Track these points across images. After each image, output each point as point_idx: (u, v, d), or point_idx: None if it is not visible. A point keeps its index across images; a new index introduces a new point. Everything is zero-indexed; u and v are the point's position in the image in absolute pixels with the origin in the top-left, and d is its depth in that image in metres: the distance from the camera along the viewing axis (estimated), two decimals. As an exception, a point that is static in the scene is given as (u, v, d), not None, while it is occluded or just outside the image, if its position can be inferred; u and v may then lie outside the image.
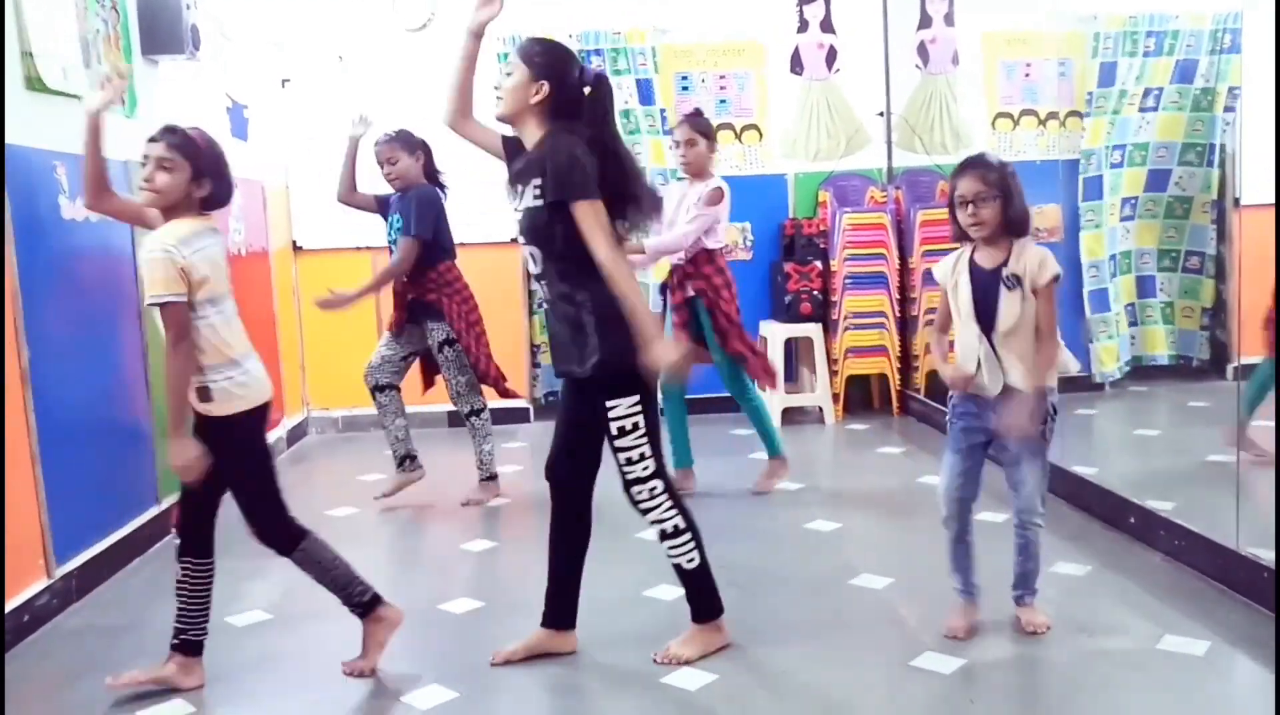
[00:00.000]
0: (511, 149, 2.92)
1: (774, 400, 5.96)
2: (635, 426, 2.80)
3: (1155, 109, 5.88)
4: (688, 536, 2.91)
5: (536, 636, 3.00)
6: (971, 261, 2.95)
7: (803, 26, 6.32)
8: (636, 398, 2.78)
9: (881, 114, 6.38)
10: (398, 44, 6.16)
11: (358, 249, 6.07)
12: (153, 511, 4.21)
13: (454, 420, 6.12)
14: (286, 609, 3.44)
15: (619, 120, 6.05)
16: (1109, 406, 5.90)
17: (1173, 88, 5.85)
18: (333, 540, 4.14)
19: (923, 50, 6.31)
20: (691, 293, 4.37)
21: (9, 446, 3.19)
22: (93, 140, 2.85)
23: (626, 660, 2.96)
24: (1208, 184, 5.84)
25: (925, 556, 3.72)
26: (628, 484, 2.86)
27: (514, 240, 6.18)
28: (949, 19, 6.27)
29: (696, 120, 4.42)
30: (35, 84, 3.50)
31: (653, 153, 6.17)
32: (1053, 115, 6.08)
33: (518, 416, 6.32)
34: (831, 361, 6.10)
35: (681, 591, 3.39)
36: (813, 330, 6.01)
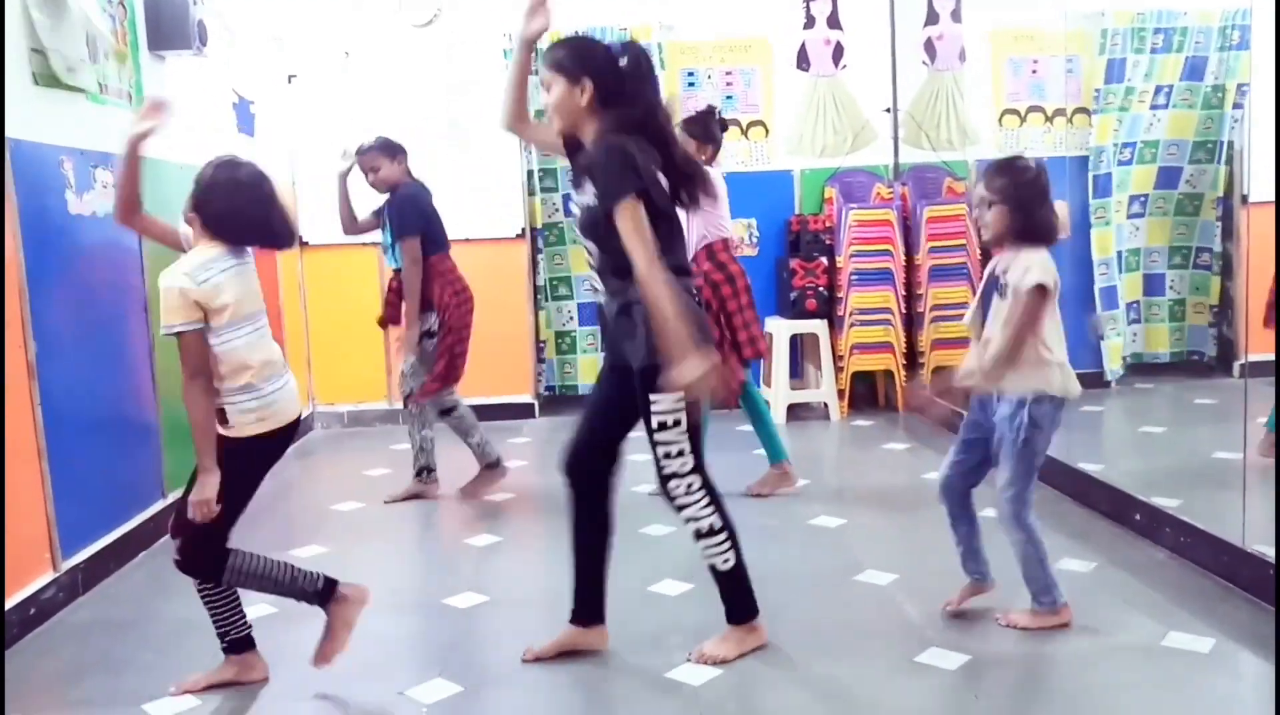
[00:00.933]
0: (572, 145, 2.90)
1: (779, 397, 5.97)
2: (677, 422, 2.77)
3: (1166, 106, 5.86)
4: (724, 537, 2.85)
5: (566, 634, 2.97)
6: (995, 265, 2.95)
7: (809, 22, 6.31)
8: (681, 394, 2.74)
9: (888, 110, 6.36)
10: (404, 39, 6.16)
11: (364, 245, 6.07)
12: (159, 506, 4.22)
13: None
14: (291, 604, 3.44)
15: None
16: (1114, 403, 5.89)
17: (1183, 85, 5.83)
18: (338, 535, 4.18)
19: (930, 47, 6.29)
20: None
21: (15, 441, 3.21)
22: (131, 164, 2.87)
23: (631, 655, 2.96)
24: (1217, 181, 5.82)
25: (930, 553, 3.72)
26: (665, 478, 2.82)
27: (519, 235, 6.19)
28: (956, 15, 6.25)
29: (690, 124, 4.33)
30: (41, 79, 3.50)
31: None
32: (1060, 112, 6.06)
33: (522, 412, 6.33)
34: (837, 358, 6.09)
35: (687, 587, 3.40)
36: (818, 326, 6.01)
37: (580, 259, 6.21)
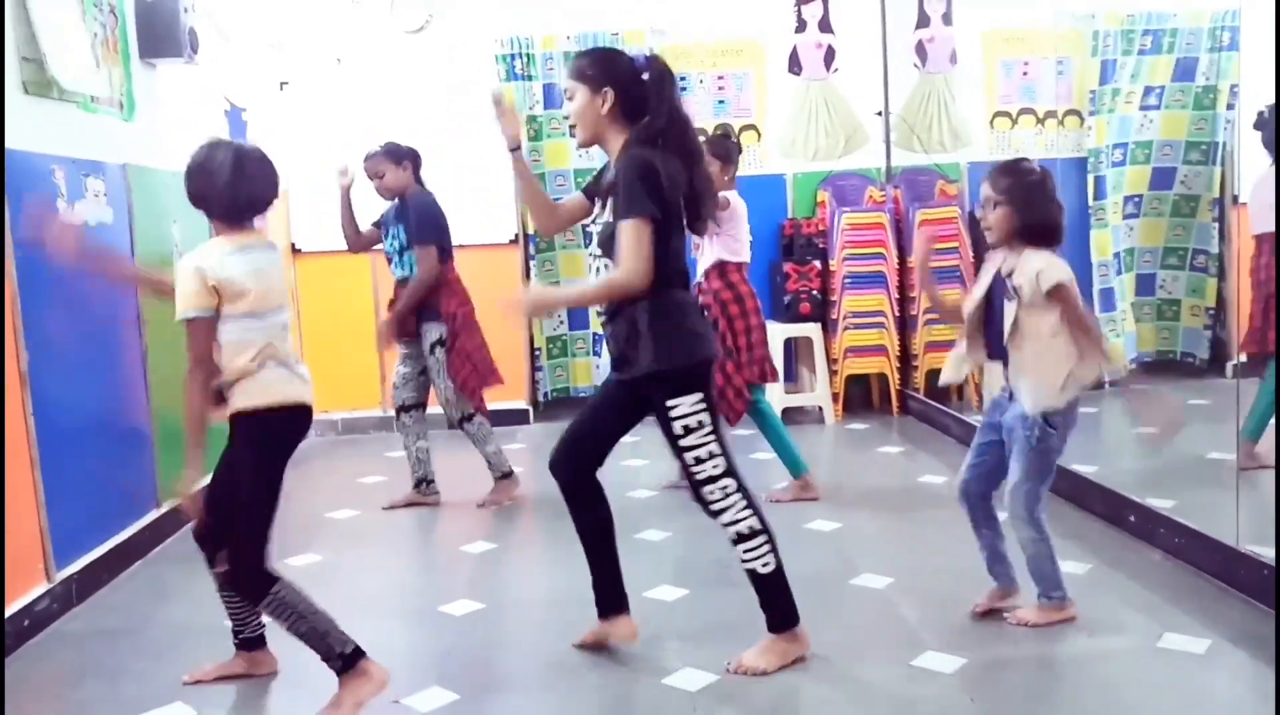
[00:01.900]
0: (594, 186, 2.93)
1: (774, 400, 5.96)
2: (700, 424, 2.75)
3: (1158, 107, 5.88)
4: (764, 540, 2.81)
5: (593, 631, 3.00)
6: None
7: (801, 26, 6.32)
8: (700, 396, 2.74)
9: (880, 113, 6.38)
10: (396, 45, 6.16)
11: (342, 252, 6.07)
12: (153, 515, 4.21)
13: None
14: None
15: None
16: (1109, 404, 5.89)
17: (1175, 86, 5.84)
18: (333, 542, 4.18)
19: (921, 49, 6.31)
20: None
21: (9, 450, 3.19)
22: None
23: (628, 661, 2.96)
24: (1213, 182, 5.84)
25: (926, 556, 3.73)
26: (698, 485, 2.78)
27: (512, 241, 6.19)
28: (947, 18, 6.26)
29: (714, 145, 4.35)
30: (34, 88, 3.50)
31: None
32: (1051, 114, 6.08)
33: (517, 418, 6.32)
34: (831, 361, 6.10)
35: (683, 592, 3.40)
36: (812, 330, 6.01)
37: (573, 265, 6.23)
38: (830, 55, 6.34)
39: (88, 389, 3.80)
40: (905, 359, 6.18)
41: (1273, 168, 4.07)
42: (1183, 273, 5.89)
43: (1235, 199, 5.63)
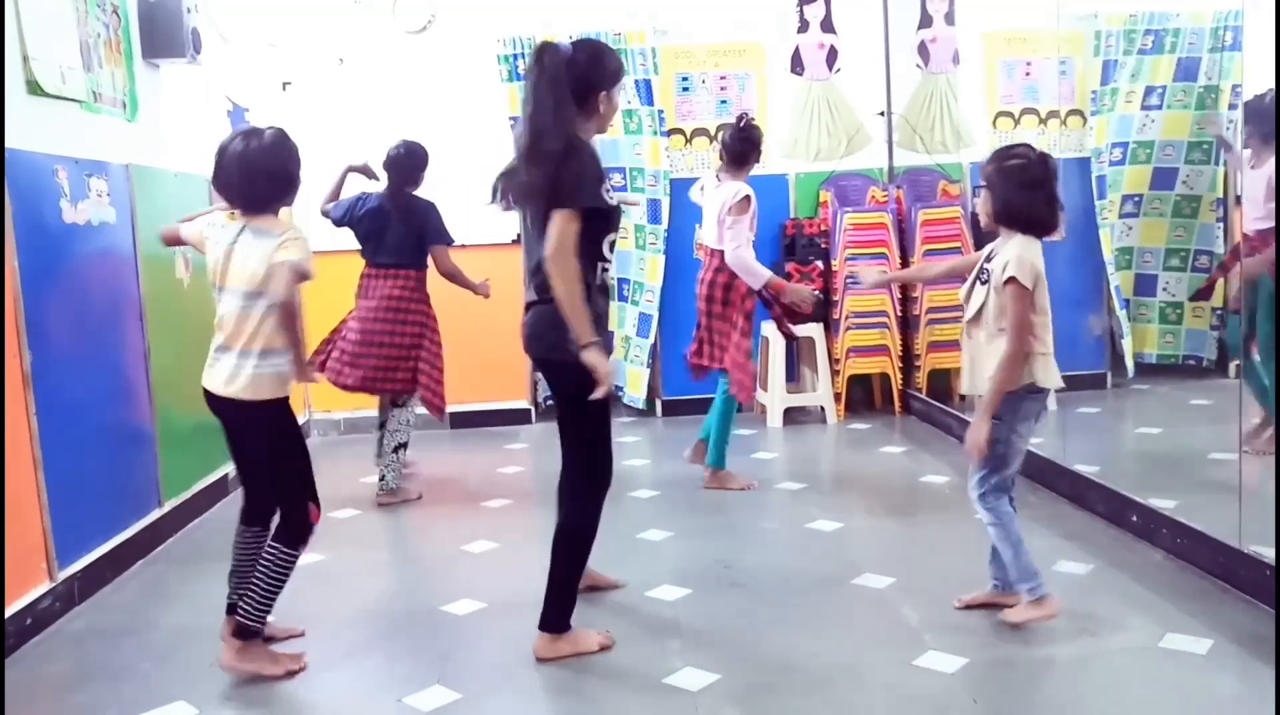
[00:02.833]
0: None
1: (776, 400, 5.97)
2: None
3: (1160, 107, 5.87)
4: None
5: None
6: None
7: (803, 27, 6.32)
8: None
9: (882, 114, 6.38)
10: (398, 46, 6.17)
11: (358, 251, 6.06)
12: (155, 514, 4.22)
13: (455, 422, 6.13)
14: (290, 609, 3.44)
15: (622, 120, 6.10)
16: (1110, 405, 5.90)
17: (1176, 85, 5.84)
18: (335, 542, 4.18)
19: (923, 50, 6.31)
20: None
21: (12, 450, 3.20)
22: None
23: (629, 661, 2.96)
24: (1214, 182, 5.83)
25: (927, 556, 3.73)
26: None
27: (514, 241, 6.19)
28: (949, 18, 6.26)
29: (736, 133, 4.48)
30: (36, 88, 3.50)
31: (650, 154, 6.18)
32: (1053, 114, 6.07)
33: (519, 418, 6.33)
34: (833, 361, 6.10)
35: (685, 592, 3.41)
36: (814, 330, 6.01)
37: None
38: (832, 55, 6.34)
39: (90, 389, 3.80)
40: (907, 359, 6.18)
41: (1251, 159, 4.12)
42: (1185, 274, 5.88)
43: (1239, 199, 5.63)
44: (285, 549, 2.91)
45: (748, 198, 4.38)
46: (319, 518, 2.97)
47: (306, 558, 3.95)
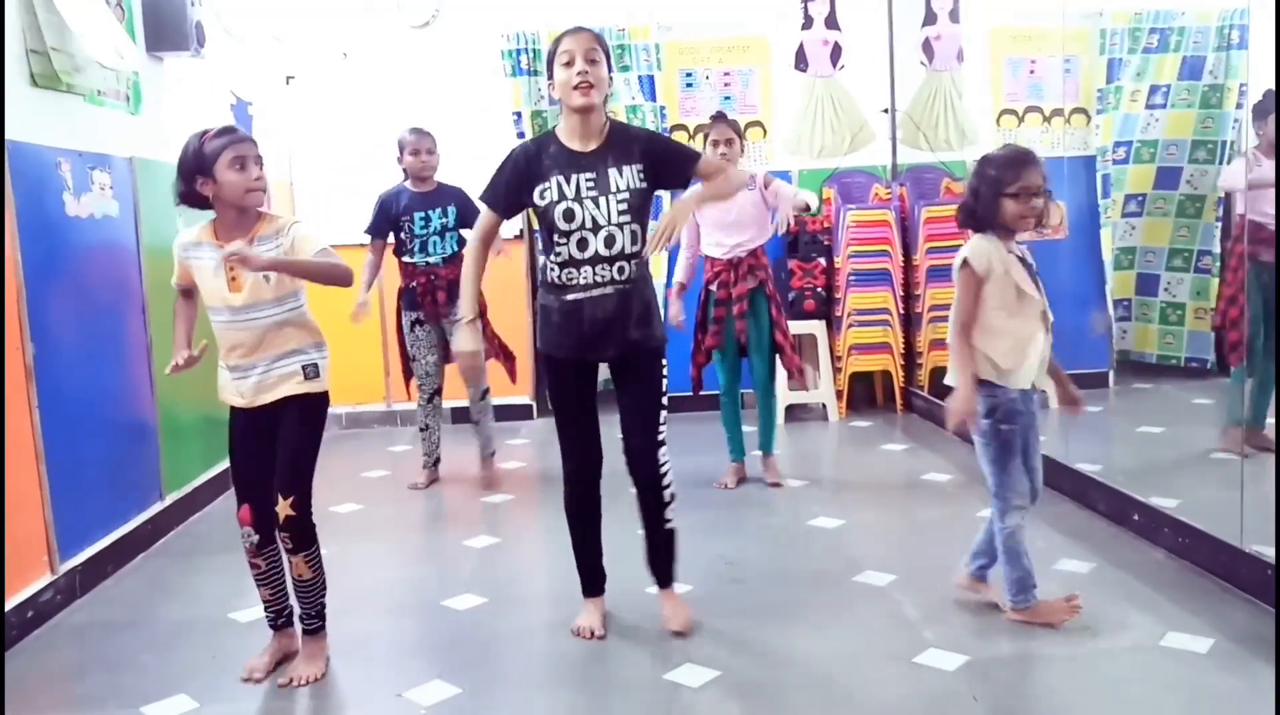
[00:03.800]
0: (512, 196, 2.96)
1: (779, 397, 5.96)
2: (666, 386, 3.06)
3: (1164, 106, 5.86)
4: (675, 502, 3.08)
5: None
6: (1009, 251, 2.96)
7: (807, 23, 6.31)
8: None
9: (886, 111, 6.36)
10: (402, 40, 6.16)
11: (361, 246, 6.06)
12: (157, 507, 4.22)
13: (457, 416, 6.13)
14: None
15: (626, 116, 6.09)
16: (1112, 403, 5.89)
17: (1181, 84, 5.83)
18: (337, 536, 4.18)
19: (928, 47, 6.30)
20: (755, 283, 4.49)
21: (13, 443, 3.20)
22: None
23: (630, 657, 2.96)
24: (1218, 181, 5.82)
25: (929, 553, 3.73)
26: (658, 445, 3.01)
27: (518, 236, 6.18)
28: (954, 15, 6.25)
29: (732, 120, 4.49)
30: (39, 80, 3.50)
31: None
32: (1058, 112, 6.06)
33: (521, 413, 6.33)
34: (835, 358, 6.10)
35: (686, 588, 3.41)
36: (816, 327, 6.01)
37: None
38: (837, 52, 6.33)
39: (93, 382, 3.80)
40: (910, 356, 6.17)
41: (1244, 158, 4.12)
42: (1188, 275, 5.87)
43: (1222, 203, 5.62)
44: (318, 549, 2.89)
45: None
46: (248, 518, 2.88)
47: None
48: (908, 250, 6.14)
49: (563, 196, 2.84)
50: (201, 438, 4.59)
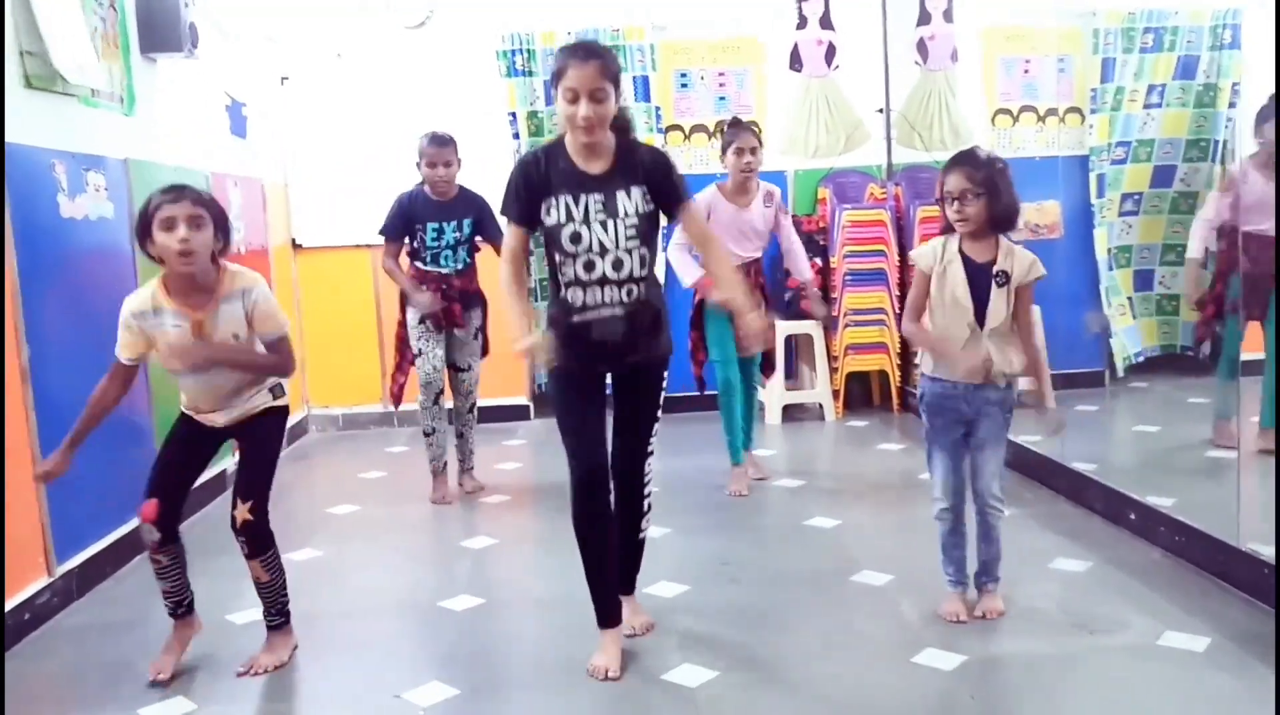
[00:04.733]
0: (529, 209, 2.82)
1: (774, 398, 5.97)
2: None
3: (1160, 105, 5.88)
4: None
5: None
6: (961, 252, 2.96)
7: (802, 23, 6.32)
8: None
9: (881, 111, 6.37)
10: (396, 41, 6.16)
11: (356, 247, 6.07)
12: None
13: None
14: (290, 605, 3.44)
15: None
16: (1108, 402, 5.90)
17: (1175, 84, 5.85)
18: (333, 538, 4.18)
19: (922, 47, 6.30)
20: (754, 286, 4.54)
21: (9, 445, 3.19)
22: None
23: (627, 657, 2.95)
24: (1212, 180, 5.84)
25: (925, 552, 3.72)
26: (646, 457, 2.99)
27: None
28: (948, 15, 6.26)
29: (753, 127, 4.47)
30: (33, 82, 3.49)
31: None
32: (1052, 112, 6.07)
33: (518, 414, 6.32)
34: (831, 358, 6.10)
35: (683, 588, 3.41)
36: (812, 327, 6.01)
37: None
38: (831, 52, 6.33)
39: (89, 383, 3.76)
40: (906, 356, 6.17)
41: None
42: (1181, 269, 5.89)
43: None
44: (275, 553, 2.94)
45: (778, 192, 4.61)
46: (153, 514, 2.90)
47: (304, 553, 3.98)
48: (903, 250, 6.14)
49: (570, 218, 2.75)
50: (197, 439, 4.57)
